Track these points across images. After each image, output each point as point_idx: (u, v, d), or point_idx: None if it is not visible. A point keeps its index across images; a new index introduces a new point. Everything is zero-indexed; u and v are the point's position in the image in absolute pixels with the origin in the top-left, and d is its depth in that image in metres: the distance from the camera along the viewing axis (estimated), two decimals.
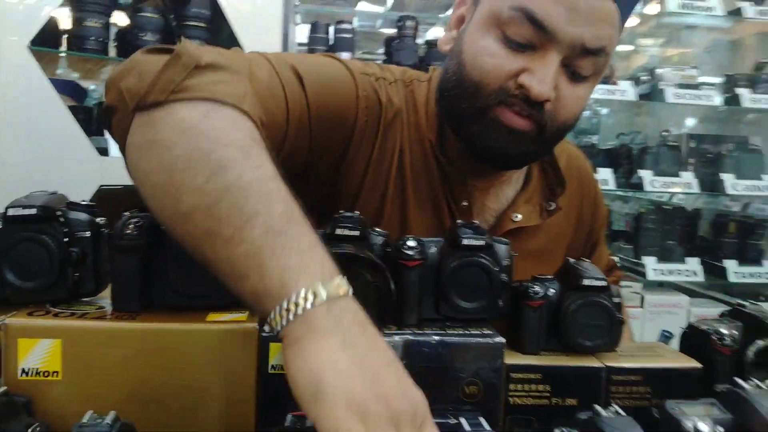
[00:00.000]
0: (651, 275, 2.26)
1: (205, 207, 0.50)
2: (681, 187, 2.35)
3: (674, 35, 3.06)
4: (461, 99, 0.75)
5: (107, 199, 1.75)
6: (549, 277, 0.69)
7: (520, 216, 0.85)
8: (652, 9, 2.56)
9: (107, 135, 1.72)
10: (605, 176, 2.26)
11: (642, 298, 2.19)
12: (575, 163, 0.97)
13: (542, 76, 0.69)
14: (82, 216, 0.66)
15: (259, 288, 0.48)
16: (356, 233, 0.63)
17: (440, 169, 0.83)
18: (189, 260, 0.55)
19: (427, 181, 0.83)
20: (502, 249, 0.67)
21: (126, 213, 0.64)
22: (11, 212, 0.61)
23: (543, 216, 0.87)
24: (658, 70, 2.35)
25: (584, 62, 0.71)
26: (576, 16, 0.68)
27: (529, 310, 0.66)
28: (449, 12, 2.35)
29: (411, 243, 0.65)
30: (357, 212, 0.65)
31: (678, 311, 2.20)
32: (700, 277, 2.34)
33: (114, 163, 1.70)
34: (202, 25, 1.83)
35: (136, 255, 0.62)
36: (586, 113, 3.04)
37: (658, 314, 2.16)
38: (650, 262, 2.34)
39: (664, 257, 2.35)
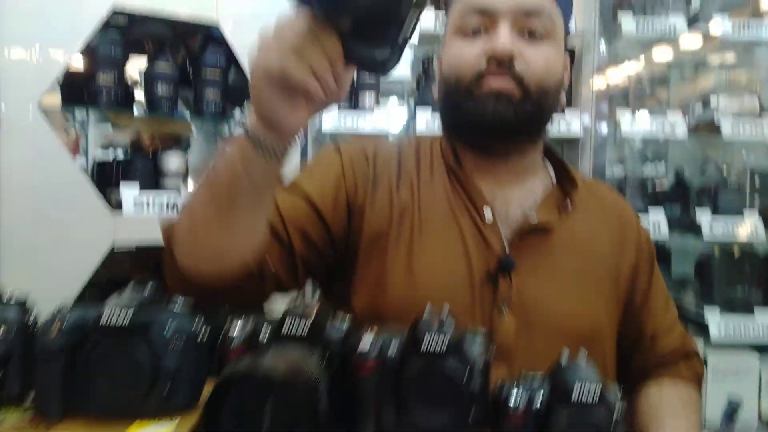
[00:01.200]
0: (715, 332, 1.99)
1: None
2: (746, 228, 2.10)
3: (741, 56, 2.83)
4: (452, 97, 0.88)
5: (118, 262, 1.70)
6: (539, 376, 0.56)
7: (536, 218, 0.88)
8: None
9: (122, 187, 1.66)
10: (656, 217, 2.05)
11: (704, 358, 1.93)
12: (610, 197, 1.01)
13: (498, 37, 0.83)
14: (9, 314, 0.63)
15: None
16: (304, 333, 0.55)
17: (462, 186, 0.89)
18: (115, 364, 0.56)
19: (449, 201, 0.89)
20: (475, 345, 0.54)
21: (56, 311, 0.61)
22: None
23: (561, 215, 0.90)
24: (714, 99, 2.14)
25: (532, 22, 0.84)
26: None
27: (509, 424, 0.52)
28: None
29: (366, 340, 0.53)
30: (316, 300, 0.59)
31: (748, 374, 1.92)
32: None
33: (127, 220, 1.65)
34: (216, 78, 1.79)
35: (58, 359, 0.59)
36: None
37: (723, 378, 1.89)
38: (714, 316, 2.08)
39: (730, 309, 2.09)
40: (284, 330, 0.55)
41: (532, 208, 0.89)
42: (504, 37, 0.82)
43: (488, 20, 0.84)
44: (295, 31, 0.57)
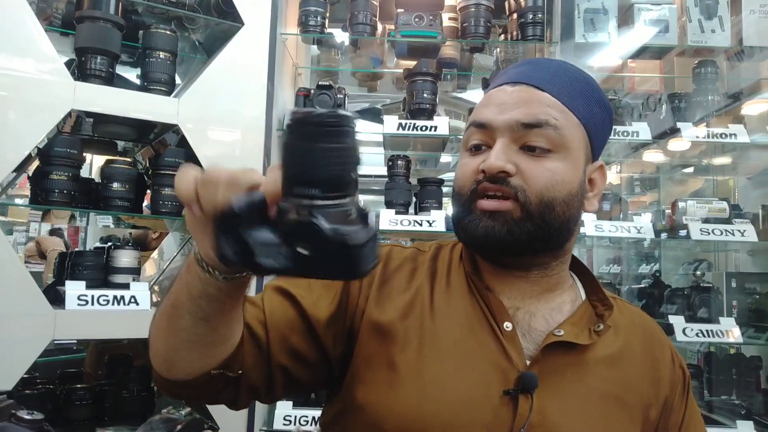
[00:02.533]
0: None
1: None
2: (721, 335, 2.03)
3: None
4: (455, 211, 0.86)
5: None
6: None
7: (563, 332, 0.82)
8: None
9: (67, 286, 1.66)
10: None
11: None
12: (639, 318, 0.94)
13: (492, 155, 0.80)
14: None
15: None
16: None
17: (481, 296, 0.85)
18: None
19: (465, 307, 0.85)
20: None
21: None
22: None
23: (592, 337, 0.84)
24: (681, 204, 2.12)
25: (532, 135, 0.80)
26: (505, 108, 0.82)
27: None
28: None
29: None
30: None
31: None
32: None
33: (68, 316, 1.63)
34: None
35: None
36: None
37: None
38: None
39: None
40: None
41: (558, 323, 0.83)
42: (495, 153, 0.80)
43: (488, 136, 0.83)
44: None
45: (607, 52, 2.24)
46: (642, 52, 2.35)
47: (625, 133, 2.10)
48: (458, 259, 0.90)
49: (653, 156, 3.04)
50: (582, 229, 2.00)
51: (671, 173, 3.56)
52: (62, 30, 1.81)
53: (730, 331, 2.04)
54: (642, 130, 2.09)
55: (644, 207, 3.85)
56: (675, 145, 2.53)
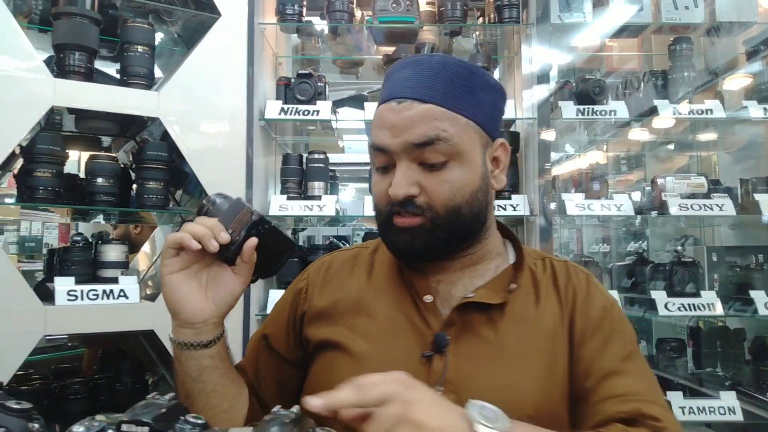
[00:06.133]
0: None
1: None
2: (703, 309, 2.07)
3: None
4: (377, 221, 0.93)
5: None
6: None
7: (474, 294, 0.90)
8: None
9: (56, 282, 1.68)
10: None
11: None
12: (564, 272, 0.97)
13: (394, 182, 0.86)
14: (12, 422, 0.63)
15: None
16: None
17: (405, 277, 0.95)
18: None
19: (394, 289, 0.95)
20: None
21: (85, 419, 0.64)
22: None
23: (505, 297, 0.91)
24: (659, 180, 2.15)
25: (426, 153, 0.85)
26: (397, 131, 0.86)
27: None
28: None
29: None
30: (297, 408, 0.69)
31: None
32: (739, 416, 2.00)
33: (59, 312, 1.65)
34: (161, 167, 1.82)
35: None
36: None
37: None
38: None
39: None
40: None
41: (475, 289, 0.91)
42: (398, 180, 0.85)
43: (389, 157, 0.87)
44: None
45: (584, 32, 2.26)
46: (621, 32, 2.37)
47: (603, 113, 2.12)
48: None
49: (638, 134, 3.07)
50: (567, 210, 2.03)
51: (656, 151, 3.59)
52: (41, 27, 1.81)
53: (712, 305, 2.08)
54: (619, 108, 2.11)
55: (631, 185, 3.89)
56: (659, 122, 2.55)
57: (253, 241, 0.87)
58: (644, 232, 3.55)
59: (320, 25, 2.29)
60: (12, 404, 0.64)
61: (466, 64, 0.90)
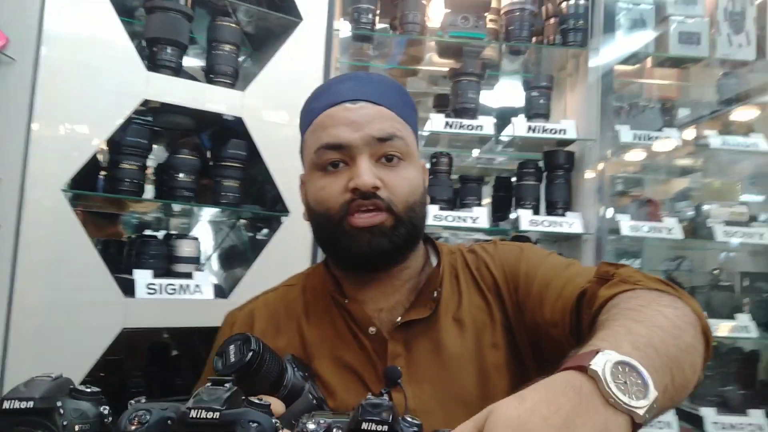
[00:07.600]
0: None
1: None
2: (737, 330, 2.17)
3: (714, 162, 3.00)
4: (324, 231, 0.91)
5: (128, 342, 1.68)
6: None
7: (400, 318, 0.92)
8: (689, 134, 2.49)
9: (135, 275, 1.67)
10: None
11: None
12: (473, 255, 1.01)
13: (359, 172, 0.86)
14: (84, 405, 0.64)
15: None
16: (384, 428, 0.57)
17: (346, 311, 0.94)
18: None
19: (335, 328, 0.94)
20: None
21: (132, 402, 0.64)
22: (6, 405, 0.59)
23: (430, 306, 0.93)
24: (705, 207, 2.26)
25: (386, 148, 0.89)
26: (357, 126, 0.88)
27: None
28: (486, 146, 2.29)
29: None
30: (386, 398, 0.61)
31: None
32: None
33: (138, 304, 1.64)
34: (238, 165, 1.83)
35: None
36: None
37: None
38: (709, 414, 2.13)
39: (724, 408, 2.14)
40: (364, 426, 0.57)
41: (404, 312, 0.93)
42: (365, 171, 0.86)
43: (346, 155, 0.88)
44: None
45: (637, 59, 2.35)
46: (665, 61, 2.47)
47: (657, 138, 2.21)
48: (322, 282, 1.00)
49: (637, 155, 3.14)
50: (621, 231, 2.10)
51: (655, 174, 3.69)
52: (123, 18, 1.80)
53: (745, 327, 2.18)
54: (673, 134, 2.20)
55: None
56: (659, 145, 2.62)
57: None
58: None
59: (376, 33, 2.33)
60: (84, 388, 0.65)
61: (393, 80, 0.98)
